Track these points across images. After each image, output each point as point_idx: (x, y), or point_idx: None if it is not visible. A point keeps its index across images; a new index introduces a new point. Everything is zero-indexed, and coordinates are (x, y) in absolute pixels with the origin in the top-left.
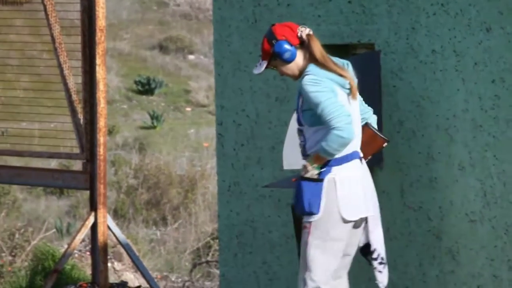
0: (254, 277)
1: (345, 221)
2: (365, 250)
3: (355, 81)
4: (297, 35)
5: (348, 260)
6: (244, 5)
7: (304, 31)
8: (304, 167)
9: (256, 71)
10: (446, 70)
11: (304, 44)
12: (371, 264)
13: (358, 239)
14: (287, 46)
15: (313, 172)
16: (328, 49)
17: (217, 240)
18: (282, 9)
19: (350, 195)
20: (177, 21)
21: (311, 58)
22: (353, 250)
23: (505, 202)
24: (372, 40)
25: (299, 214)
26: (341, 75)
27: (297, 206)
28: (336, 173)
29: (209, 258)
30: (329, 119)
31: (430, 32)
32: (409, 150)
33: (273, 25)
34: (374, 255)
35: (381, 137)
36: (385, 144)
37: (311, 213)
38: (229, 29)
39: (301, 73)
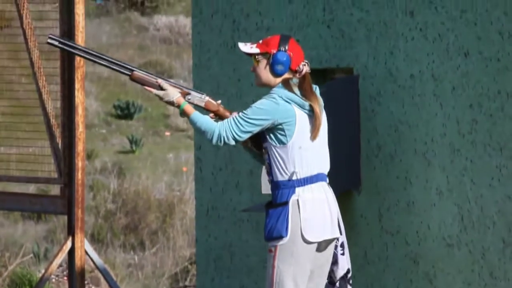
0: None
1: (308, 243)
2: (343, 276)
3: (321, 105)
4: (299, 64)
5: (320, 282)
6: (223, 30)
7: (306, 67)
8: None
9: (244, 48)
10: (424, 94)
11: (294, 74)
12: None
13: (326, 262)
14: (285, 62)
15: (172, 97)
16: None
17: (195, 265)
18: (261, 33)
19: (313, 216)
20: (156, 46)
21: (285, 81)
22: (322, 273)
23: (482, 227)
24: (351, 64)
25: (268, 240)
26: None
27: (266, 232)
28: (300, 195)
29: (187, 283)
30: (236, 120)
31: (408, 56)
32: (387, 174)
33: (291, 36)
34: (349, 277)
35: None
36: None
37: (280, 237)
38: (208, 53)
39: (268, 86)
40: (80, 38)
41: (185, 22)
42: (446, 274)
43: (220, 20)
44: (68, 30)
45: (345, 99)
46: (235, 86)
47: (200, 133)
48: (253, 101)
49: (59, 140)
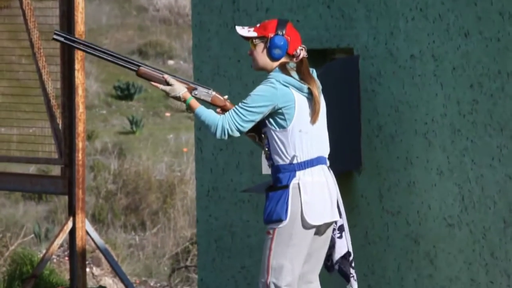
0: (232, 281)
1: (308, 226)
2: (346, 258)
3: (319, 88)
4: (296, 48)
5: (316, 265)
6: (223, 10)
7: (303, 52)
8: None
9: (242, 32)
10: (425, 75)
11: (291, 58)
12: (347, 273)
13: (324, 244)
14: (282, 46)
15: (178, 92)
16: (307, 54)
17: (196, 245)
18: (261, 14)
19: (313, 200)
20: (156, 26)
21: (282, 65)
22: (319, 255)
23: (482, 207)
24: (351, 45)
25: (267, 223)
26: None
27: (265, 215)
28: (300, 178)
29: (188, 263)
30: (237, 111)
31: (408, 37)
32: (387, 154)
33: (289, 20)
34: (350, 260)
35: None
36: None
37: (280, 220)
38: (208, 34)
39: (265, 70)
40: (80, 19)
41: (185, 3)
42: (447, 254)
43: (220, 1)
44: (67, 10)
45: (345, 80)
46: (235, 67)
47: (204, 127)
48: (253, 83)
49: (59, 121)
